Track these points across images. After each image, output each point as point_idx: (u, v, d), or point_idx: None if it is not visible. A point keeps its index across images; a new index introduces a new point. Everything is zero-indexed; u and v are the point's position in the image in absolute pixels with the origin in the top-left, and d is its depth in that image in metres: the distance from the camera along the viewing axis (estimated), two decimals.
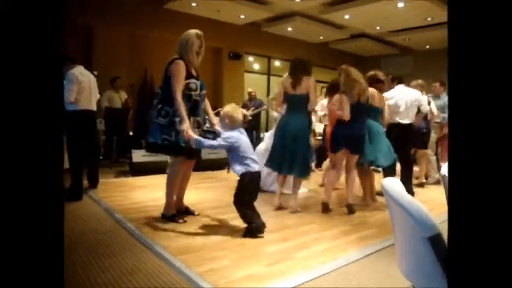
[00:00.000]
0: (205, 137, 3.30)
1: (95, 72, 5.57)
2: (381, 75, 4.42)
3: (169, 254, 2.72)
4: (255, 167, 3.18)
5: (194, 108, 3.39)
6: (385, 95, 4.69)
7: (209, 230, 3.30)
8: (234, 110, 3.21)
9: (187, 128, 3.15)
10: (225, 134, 3.17)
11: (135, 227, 3.30)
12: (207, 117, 3.59)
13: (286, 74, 4.18)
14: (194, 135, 3.16)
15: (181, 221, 3.45)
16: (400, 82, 5.00)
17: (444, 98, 5.93)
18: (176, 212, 3.58)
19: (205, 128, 3.51)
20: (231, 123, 3.18)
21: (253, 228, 3.15)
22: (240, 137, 3.17)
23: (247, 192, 3.18)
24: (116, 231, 3.26)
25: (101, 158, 6.99)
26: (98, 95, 4.85)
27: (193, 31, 3.40)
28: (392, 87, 4.96)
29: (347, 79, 3.95)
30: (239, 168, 3.15)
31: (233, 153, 3.17)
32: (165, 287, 2.26)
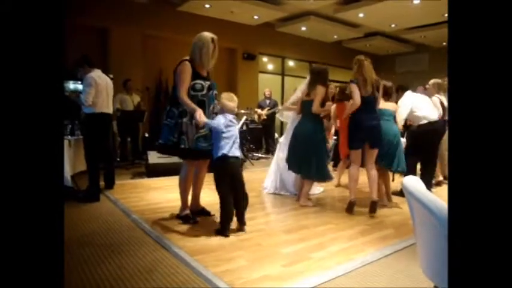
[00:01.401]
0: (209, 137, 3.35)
1: (111, 76, 5.65)
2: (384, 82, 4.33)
3: (186, 254, 2.72)
4: (229, 153, 3.21)
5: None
6: (404, 104, 4.65)
7: None
8: (228, 98, 3.31)
9: (199, 115, 3.15)
10: (215, 118, 3.26)
11: (152, 228, 3.32)
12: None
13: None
14: (205, 119, 3.19)
15: (192, 221, 3.47)
16: (404, 89, 4.91)
17: None
18: (192, 212, 3.60)
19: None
20: (222, 109, 3.30)
21: (221, 227, 3.21)
22: (225, 121, 3.22)
23: (219, 175, 3.23)
24: (132, 231, 3.29)
25: (118, 159, 7.08)
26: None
27: (208, 35, 3.39)
28: (401, 96, 4.86)
29: (358, 70, 3.96)
30: (216, 152, 3.21)
31: (215, 136, 3.23)
32: (182, 286, 2.26)
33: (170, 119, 3.37)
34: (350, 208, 3.99)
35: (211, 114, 3.39)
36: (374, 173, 4.05)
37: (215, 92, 3.50)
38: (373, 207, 3.93)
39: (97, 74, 4.38)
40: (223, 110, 3.28)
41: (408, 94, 4.81)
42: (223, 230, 3.16)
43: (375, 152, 4.03)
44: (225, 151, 3.17)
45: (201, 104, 3.32)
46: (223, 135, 3.19)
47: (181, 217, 3.54)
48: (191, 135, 3.31)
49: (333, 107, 5.00)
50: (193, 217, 3.53)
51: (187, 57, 3.39)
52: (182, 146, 3.32)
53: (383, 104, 4.22)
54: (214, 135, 3.25)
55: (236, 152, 3.25)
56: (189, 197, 3.65)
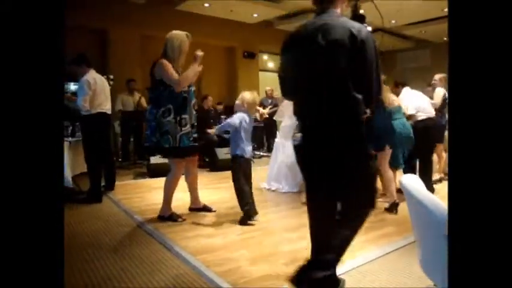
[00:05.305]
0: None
1: (111, 76, 5.65)
2: None
3: (189, 254, 2.73)
4: (247, 154, 3.50)
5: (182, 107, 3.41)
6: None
7: (227, 229, 3.31)
8: (252, 96, 3.66)
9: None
10: (234, 115, 3.48)
11: (154, 228, 3.33)
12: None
13: None
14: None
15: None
16: (404, 85, 4.88)
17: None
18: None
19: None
20: (243, 106, 3.56)
21: (244, 215, 3.44)
22: (245, 119, 3.48)
23: (240, 174, 3.44)
24: (134, 232, 3.30)
25: (120, 160, 7.10)
26: None
27: (182, 33, 3.43)
28: (399, 92, 4.83)
29: None
30: (235, 149, 3.44)
31: (235, 134, 3.45)
32: (185, 287, 2.27)
33: (152, 120, 3.39)
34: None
35: (192, 110, 3.49)
36: (388, 175, 4.00)
37: (193, 88, 3.52)
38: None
39: (92, 76, 4.34)
40: (244, 106, 3.55)
41: (406, 90, 4.79)
42: (248, 217, 3.42)
43: (383, 153, 3.92)
44: (244, 153, 3.46)
45: (184, 101, 3.37)
46: (243, 133, 3.44)
47: (165, 217, 3.54)
48: (175, 134, 3.33)
49: None
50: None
51: (160, 57, 3.39)
52: (166, 146, 3.34)
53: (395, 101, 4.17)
54: (235, 130, 3.45)
55: (248, 153, 3.51)
56: (176, 196, 3.69)
